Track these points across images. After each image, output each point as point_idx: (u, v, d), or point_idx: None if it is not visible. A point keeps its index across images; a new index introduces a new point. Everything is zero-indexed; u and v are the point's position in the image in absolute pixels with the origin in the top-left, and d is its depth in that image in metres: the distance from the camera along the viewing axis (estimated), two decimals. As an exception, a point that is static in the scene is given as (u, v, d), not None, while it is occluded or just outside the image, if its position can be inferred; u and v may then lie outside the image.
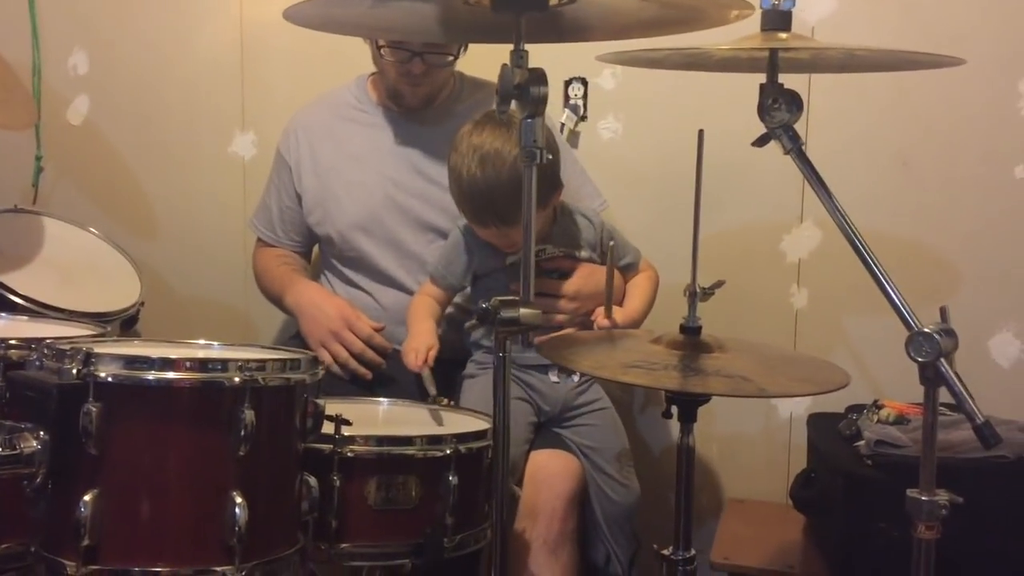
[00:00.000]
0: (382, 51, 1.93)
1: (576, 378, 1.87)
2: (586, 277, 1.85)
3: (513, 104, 1.22)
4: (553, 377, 1.85)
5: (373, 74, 2.12)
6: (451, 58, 1.96)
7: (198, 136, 2.53)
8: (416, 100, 2.02)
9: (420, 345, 1.78)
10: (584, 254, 1.87)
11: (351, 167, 2.06)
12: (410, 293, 2.00)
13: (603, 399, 1.91)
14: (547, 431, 1.87)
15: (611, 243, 1.71)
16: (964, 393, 1.14)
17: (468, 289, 1.93)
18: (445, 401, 1.74)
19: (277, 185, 2.16)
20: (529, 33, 1.23)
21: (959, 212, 2.09)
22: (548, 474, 1.77)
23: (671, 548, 1.40)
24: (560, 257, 1.85)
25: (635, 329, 1.84)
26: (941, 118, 2.08)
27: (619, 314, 1.79)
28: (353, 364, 1.91)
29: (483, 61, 1.96)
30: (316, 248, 2.24)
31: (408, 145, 2.05)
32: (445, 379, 1.85)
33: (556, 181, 1.80)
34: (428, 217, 2.02)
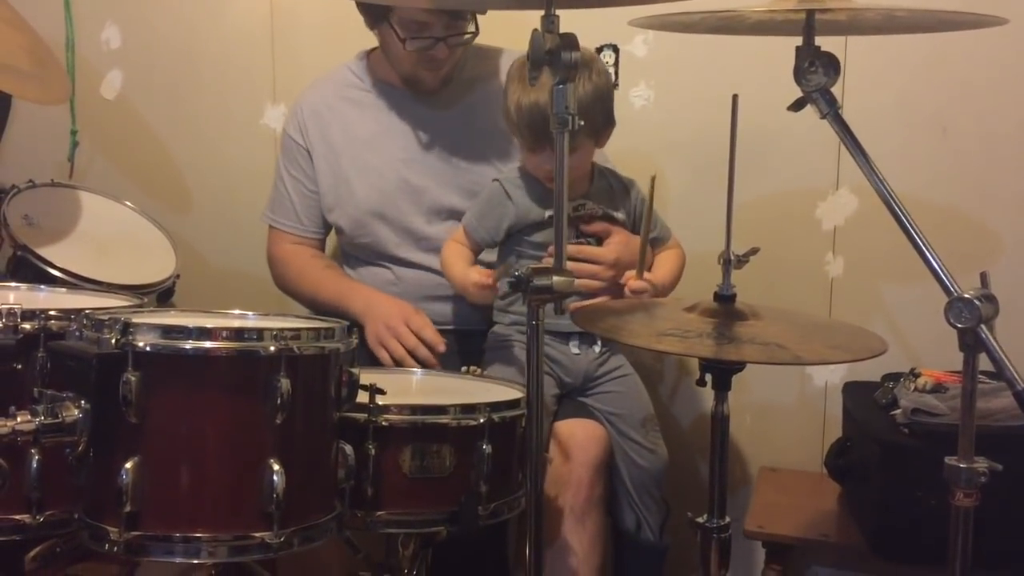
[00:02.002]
0: (406, 44, 1.88)
1: (597, 348, 1.86)
2: (624, 245, 1.83)
3: (545, 70, 1.21)
4: (574, 349, 1.85)
5: (371, 51, 2.09)
6: (468, 35, 1.93)
7: (230, 109, 2.54)
8: (436, 83, 2.00)
9: (479, 277, 1.74)
10: (620, 216, 1.86)
11: (361, 150, 2.02)
12: (427, 270, 2.00)
13: (625, 366, 1.90)
14: (571, 400, 1.87)
15: (653, 177, 1.67)
16: (1005, 359, 1.12)
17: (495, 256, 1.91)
18: (477, 371, 1.75)
19: (294, 173, 2.08)
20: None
21: (999, 176, 2.05)
22: (574, 443, 1.76)
23: (705, 516, 1.40)
24: (598, 216, 1.83)
25: (662, 298, 1.83)
26: (981, 80, 2.03)
27: (649, 278, 1.77)
28: (409, 361, 1.84)
29: (512, 27, 1.94)
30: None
31: (417, 123, 2.02)
32: (462, 351, 1.86)
33: (611, 116, 1.80)
34: (442, 199, 2.00)
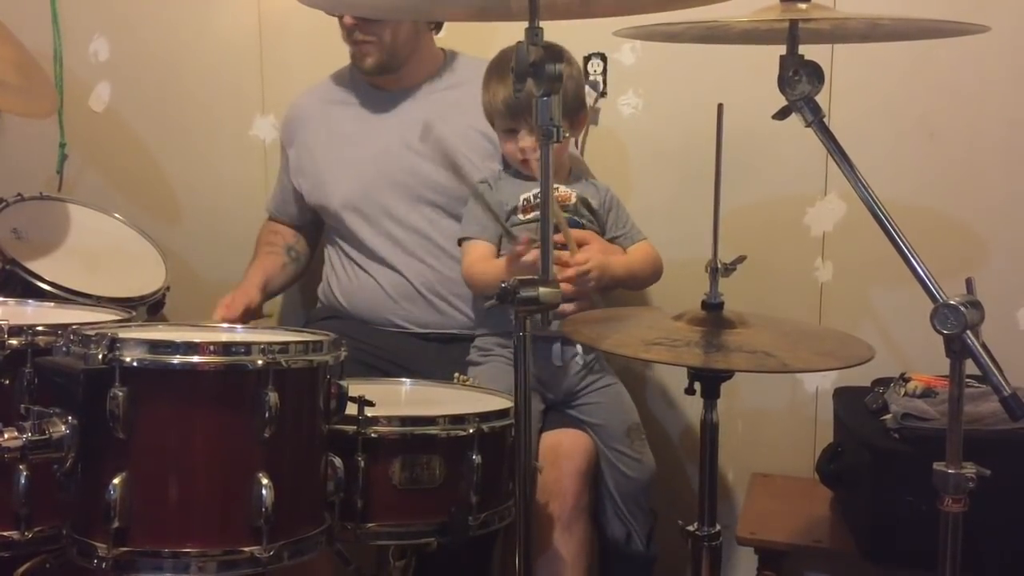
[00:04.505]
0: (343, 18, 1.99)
1: (580, 359, 1.85)
2: (600, 251, 1.82)
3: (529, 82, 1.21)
4: (557, 362, 1.83)
5: None
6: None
7: (219, 120, 2.54)
8: (366, 63, 2.03)
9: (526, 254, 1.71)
10: (595, 203, 1.88)
11: (342, 146, 2.09)
12: (403, 275, 2.02)
13: (607, 376, 1.90)
14: (556, 412, 1.87)
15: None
16: (990, 365, 1.13)
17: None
18: (469, 380, 1.75)
19: (281, 165, 2.25)
20: (545, 9, 1.22)
21: (985, 182, 2.06)
22: (560, 453, 1.77)
23: (696, 524, 1.40)
24: (571, 203, 1.84)
25: (611, 277, 1.81)
26: (966, 86, 2.04)
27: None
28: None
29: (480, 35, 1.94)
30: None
31: (397, 121, 2.07)
32: (445, 357, 1.86)
33: (583, 101, 1.86)
34: (419, 191, 2.03)
